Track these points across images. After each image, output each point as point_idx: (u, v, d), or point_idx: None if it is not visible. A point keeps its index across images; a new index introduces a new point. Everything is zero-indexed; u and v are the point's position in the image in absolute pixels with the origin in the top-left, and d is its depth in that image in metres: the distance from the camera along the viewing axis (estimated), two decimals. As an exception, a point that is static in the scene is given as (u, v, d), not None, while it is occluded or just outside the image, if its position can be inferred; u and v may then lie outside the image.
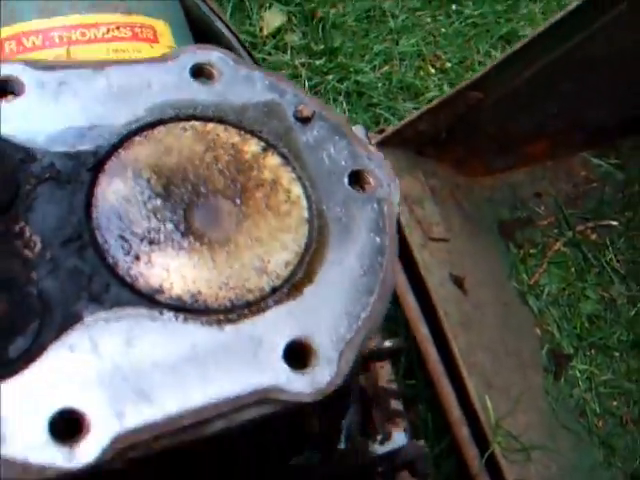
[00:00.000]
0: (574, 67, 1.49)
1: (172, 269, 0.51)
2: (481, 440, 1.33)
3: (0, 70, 0.54)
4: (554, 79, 1.50)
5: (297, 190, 0.57)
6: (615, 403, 1.59)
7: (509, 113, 1.54)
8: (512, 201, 1.73)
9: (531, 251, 1.68)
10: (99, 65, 0.58)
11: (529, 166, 1.75)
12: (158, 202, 0.54)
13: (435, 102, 1.46)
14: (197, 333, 0.50)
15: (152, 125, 0.57)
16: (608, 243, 1.71)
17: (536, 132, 1.67)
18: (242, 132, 0.58)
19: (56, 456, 0.44)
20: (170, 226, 0.53)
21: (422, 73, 1.78)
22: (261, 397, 0.48)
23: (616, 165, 1.78)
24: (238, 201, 0.55)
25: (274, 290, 0.52)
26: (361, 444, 0.66)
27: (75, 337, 0.48)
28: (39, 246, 0.50)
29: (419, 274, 1.42)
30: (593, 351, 1.62)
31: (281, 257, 0.54)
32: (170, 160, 0.56)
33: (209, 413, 0.47)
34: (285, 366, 0.50)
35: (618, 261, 1.70)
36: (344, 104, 1.70)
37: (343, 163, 0.60)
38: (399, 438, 0.67)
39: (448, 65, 1.78)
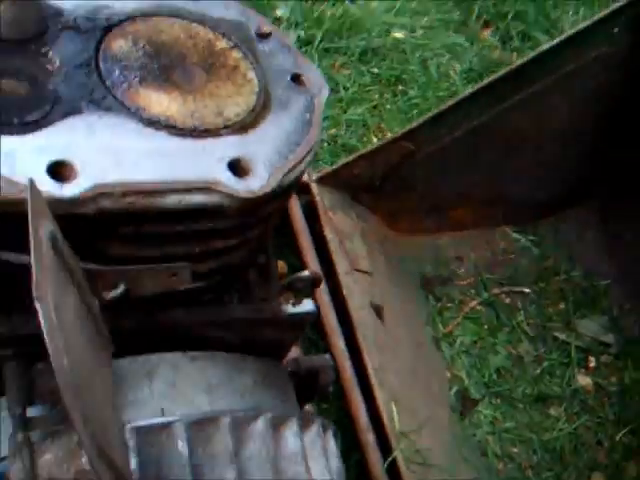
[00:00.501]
0: (496, 138, 1.77)
1: (153, 99, 0.72)
2: (385, 448, 1.48)
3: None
4: (478, 146, 1.78)
5: (251, 75, 0.79)
6: (516, 450, 1.76)
7: (438, 172, 1.80)
8: (435, 260, 1.96)
9: (448, 305, 1.90)
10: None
11: (454, 231, 2.00)
12: (148, 59, 0.75)
13: (370, 148, 1.72)
14: (165, 138, 0.70)
15: (152, 14, 0.79)
16: (520, 307, 1.94)
17: (462, 198, 1.93)
18: (216, 33, 0.81)
19: (50, 187, 0.63)
20: (155, 74, 0.74)
21: (365, 139, 2.05)
22: (207, 185, 0.68)
23: (533, 241, 2.04)
24: (207, 71, 0.77)
25: (226, 127, 0.73)
26: (276, 299, 0.84)
27: (76, 120, 0.67)
28: (58, 64, 0.70)
29: (342, 296, 1.61)
30: (499, 400, 1.80)
31: (234, 109, 0.75)
32: (161, 37, 0.78)
33: (165, 186, 0.66)
34: (228, 172, 0.70)
35: (528, 324, 1.92)
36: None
37: (288, 67, 0.82)
38: (308, 304, 0.85)
39: (389, 136, 2.05)
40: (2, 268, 0.68)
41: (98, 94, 0.70)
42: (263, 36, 0.83)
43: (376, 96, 2.15)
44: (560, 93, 1.70)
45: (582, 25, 1.58)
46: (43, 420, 0.73)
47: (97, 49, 0.73)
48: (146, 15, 0.79)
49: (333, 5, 2.24)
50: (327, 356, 0.98)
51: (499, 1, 2.39)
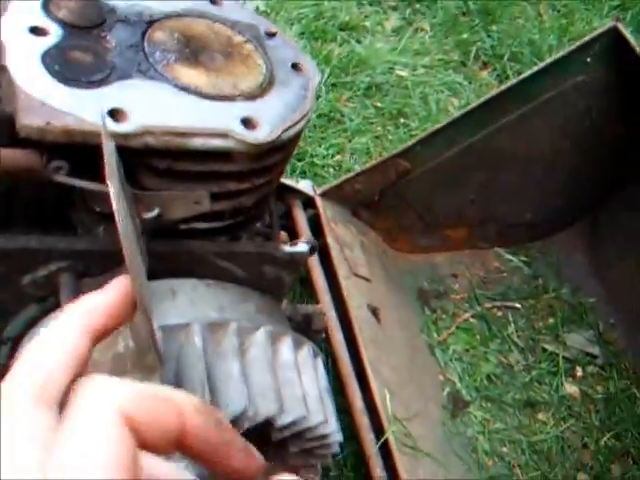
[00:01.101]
0: (485, 159, 2.04)
1: (184, 73, 1.00)
2: (378, 431, 1.70)
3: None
4: (469, 166, 2.04)
5: (260, 62, 1.07)
6: (505, 449, 1.97)
7: (432, 190, 2.07)
8: (431, 277, 2.21)
9: (442, 316, 2.14)
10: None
11: (449, 251, 2.25)
12: (181, 45, 1.03)
13: (369, 165, 1.98)
14: (194, 99, 0.97)
15: (183, 15, 1.07)
16: (511, 320, 2.17)
17: (456, 218, 2.19)
18: (234, 31, 1.09)
19: (110, 125, 0.89)
20: (186, 56, 1.02)
21: (368, 166, 2.31)
22: (225, 132, 0.95)
23: (525, 262, 2.29)
24: (226, 57, 1.04)
25: (240, 95, 1.00)
26: (274, 238, 1.10)
27: (127, 82, 0.94)
28: (113, 44, 0.98)
29: (341, 297, 1.85)
30: (489, 404, 2.03)
31: (246, 84, 1.02)
32: (191, 31, 1.06)
33: (193, 130, 0.93)
34: (241, 125, 0.97)
35: (518, 336, 2.15)
36: (298, 178, 2.21)
37: (289, 58, 1.10)
38: (303, 246, 1.11)
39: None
40: (67, 193, 0.94)
41: (144, 67, 0.97)
42: (270, 35, 1.11)
43: (379, 128, 2.43)
44: (541, 118, 1.97)
45: (559, 55, 1.86)
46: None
47: (142, 37, 1.01)
48: (180, 15, 1.07)
49: (340, 45, 2.55)
50: (319, 305, 1.23)
51: (497, 43, 2.69)
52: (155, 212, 0.94)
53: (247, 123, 0.97)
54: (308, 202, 1.99)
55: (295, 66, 1.09)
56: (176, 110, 0.94)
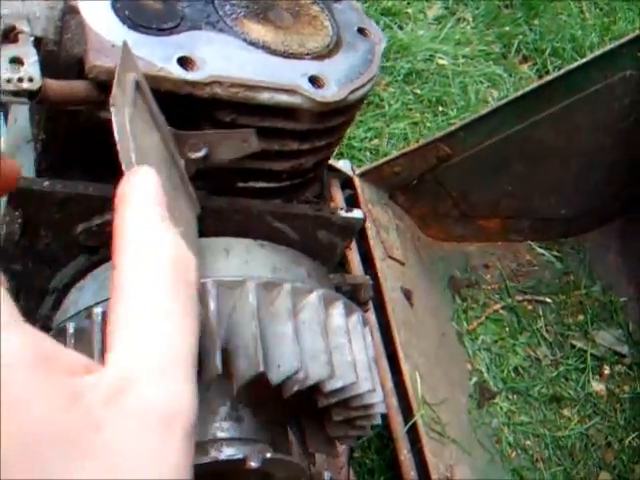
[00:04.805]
0: (525, 150, 2.01)
1: (253, 28, 0.98)
2: (407, 413, 1.68)
3: None
4: (509, 157, 2.02)
5: (327, 23, 1.05)
6: (529, 442, 1.95)
7: (470, 179, 2.04)
8: (463, 266, 2.19)
9: (473, 305, 2.11)
10: None
11: (482, 241, 2.22)
12: (249, 1, 1.01)
13: (410, 147, 1.96)
14: (262, 54, 0.94)
15: (250, -29, 1.05)
16: (541, 314, 2.15)
17: (492, 208, 2.16)
18: (300, -8, 1.07)
19: (179, 72, 0.87)
20: (255, 12, 1.00)
21: (404, 151, 2.29)
22: (293, 88, 0.92)
23: (557, 257, 2.26)
24: (294, 16, 1.02)
25: (307, 54, 0.98)
26: (329, 204, 1.07)
27: (197, 32, 0.92)
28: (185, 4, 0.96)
29: (376, 278, 1.83)
30: (515, 396, 2.00)
31: (313, 44, 1.00)
32: (257, -13, 1.03)
33: (262, 84, 0.91)
34: (308, 83, 0.94)
35: (547, 330, 2.13)
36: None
37: (355, 22, 1.07)
38: (358, 212, 1.09)
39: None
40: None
41: (213, 19, 0.95)
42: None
43: (417, 114, 2.41)
44: (585, 112, 1.94)
45: (608, 47, 1.83)
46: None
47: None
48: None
49: (382, 30, 2.52)
50: (367, 276, 1.21)
51: (538, 37, 2.66)
52: (202, 152, 0.92)
53: (314, 81, 0.95)
54: (345, 182, 1.97)
55: (361, 30, 1.07)
56: (244, 63, 0.92)
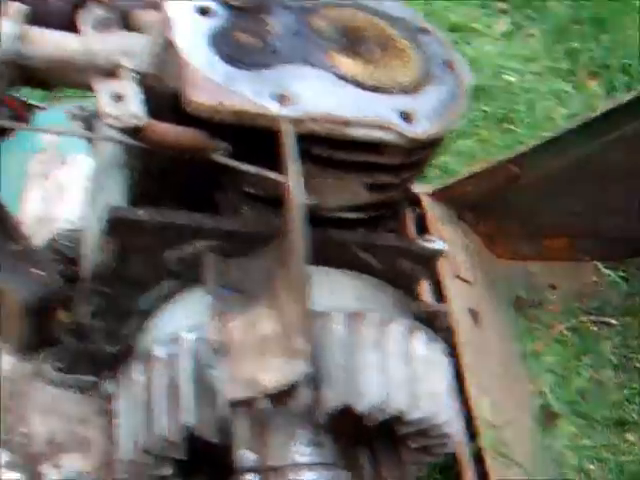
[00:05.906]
0: (596, 171, 1.99)
1: (343, 62, 0.99)
2: (472, 433, 1.68)
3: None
4: (578, 178, 1.99)
5: (415, 56, 1.06)
6: (592, 467, 1.92)
7: (539, 199, 2.03)
8: (528, 285, 2.17)
9: (537, 326, 2.10)
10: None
11: (547, 260, 2.20)
12: (340, 35, 1.02)
13: (480, 168, 1.96)
14: (353, 89, 0.96)
15: (341, 5, 1.07)
16: (606, 336, 2.12)
17: (559, 229, 2.14)
18: (389, 24, 1.08)
19: (273, 108, 0.89)
20: (344, 45, 1.01)
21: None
22: (386, 124, 0.94)
23: (623, 277, 2.23)
24: (382, 49, 1.04)
25: (397, 88, 0.99)
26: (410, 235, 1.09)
27: (290, 67, 0.94)
28: (275, 29, 0.98)
29: (444, 298, 1.84)
30: (579, 419, 1.98)
31: (402, 77, 1.01)
32: (348, 21, 1.05)
33: (357, 120, 0.92)
34: (400, 118, 0.95)
35: (612, 353, 2.10)
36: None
37: (442, 55, 1.08)
38: (439, 244, 1.09)
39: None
40: (216, 173, 0.95)
41: (304, 53, 0.97)
42: (423, 30, 1.10)
43: (484, 131, 2.40)
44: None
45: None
46: (234, 299, 0.98)
47: (303, 23, 1.01)
48: (338, 5, 1.06)
49: (449, 46, 2.52)
50: (444, 305, 1.22)
51: (606, 53, 2.63)
52: (313, 200, 0.94)
53: (406, 117, 0.96)
54: (414, 201, 1.98)
55: (447, 63, 1.08)
56: (337, 99, 0.94)
